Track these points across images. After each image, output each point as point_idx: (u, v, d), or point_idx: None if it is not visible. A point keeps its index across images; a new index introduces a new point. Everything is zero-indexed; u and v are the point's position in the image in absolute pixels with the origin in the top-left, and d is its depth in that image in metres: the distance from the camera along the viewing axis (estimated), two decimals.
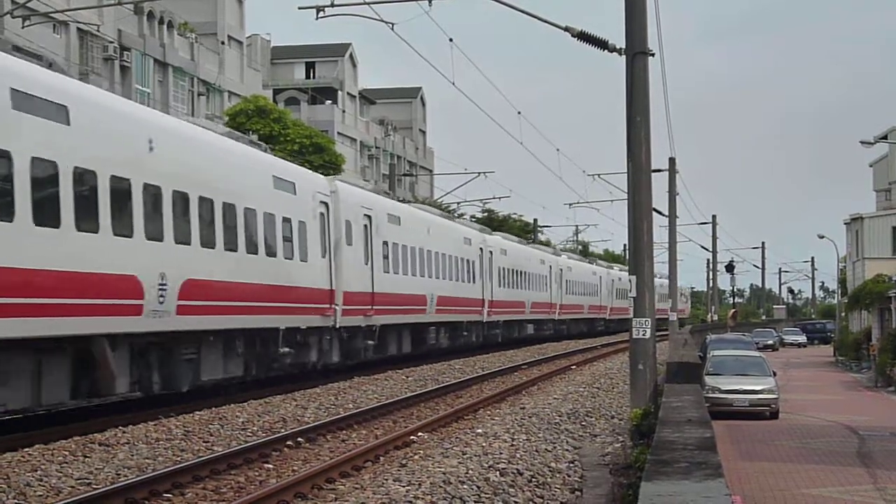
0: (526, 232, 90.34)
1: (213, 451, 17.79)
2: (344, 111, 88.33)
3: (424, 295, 40.98)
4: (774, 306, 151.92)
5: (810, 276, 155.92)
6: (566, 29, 22.52)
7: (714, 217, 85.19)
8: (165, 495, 14.66)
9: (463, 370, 38.03)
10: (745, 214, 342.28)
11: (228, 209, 25.27)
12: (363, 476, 16.41)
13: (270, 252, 27.60)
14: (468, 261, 48.03)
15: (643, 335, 20.80)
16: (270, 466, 17.20)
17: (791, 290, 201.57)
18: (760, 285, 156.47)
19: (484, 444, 18.69)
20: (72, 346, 19.77)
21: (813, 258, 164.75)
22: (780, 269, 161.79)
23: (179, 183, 23.10)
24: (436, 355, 43.76)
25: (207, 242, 24.14)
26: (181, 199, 23.12)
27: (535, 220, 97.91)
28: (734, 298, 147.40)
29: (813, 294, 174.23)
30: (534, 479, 16.41)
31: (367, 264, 34.68)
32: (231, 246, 25.33)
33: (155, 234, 21.99)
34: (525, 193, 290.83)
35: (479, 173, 65.10)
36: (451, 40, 33.09)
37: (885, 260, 61.67)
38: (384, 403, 25.61)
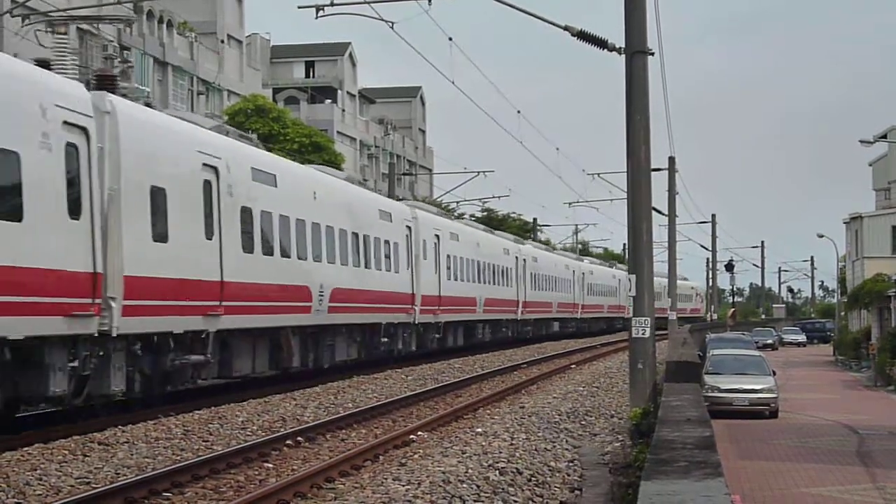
0: (525, 231, 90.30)
1: (212, 451, 17.78)
2: (343, 110, 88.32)
3: (475, 297, 48.82)
4: (774, 305, 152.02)
5: (810, 275, 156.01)
6: (566, 28, 22.53)
7: (713, 216, 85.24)
8: (165, 494, 14.66)
9: (462, 369, 38.04)
10: (744, 214, 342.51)
11: (354, 237, 33.67)
12: (363, 475, 16.41)
13: (378, 266, 35.85)
14: (507, 268, 55.85)
15: (643, 334, 20.81)
16: (270, 466, 17.19)
17: (790, 290, 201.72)
18: (760, 284, 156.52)
19: (483, 444, 18.69)
20: (270, 334, 27.70)
21: (812, 257, 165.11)
22: (779, 268, 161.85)
23: (331, 220, 31.67)
24: (481, 347, 51.05)
25: (345, 261, 32.67)
26: (331, 231, 31.68)
27: (535, 220, 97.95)
28: (733, 298, 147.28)
29: (812, 293, 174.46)
30: (533, 479, 16.41)
31: (435, 273, 42.51)
32: (356, 263, 33.69)
33: (317, 256, 30.39)
34: (524, 193, 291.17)
35: (479, 172, 65.27)
36: (450, 39, 33.16)
37: (885, 259, 61.65)
38: (384, 403, 25.61)
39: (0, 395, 17.75)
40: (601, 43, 22.09)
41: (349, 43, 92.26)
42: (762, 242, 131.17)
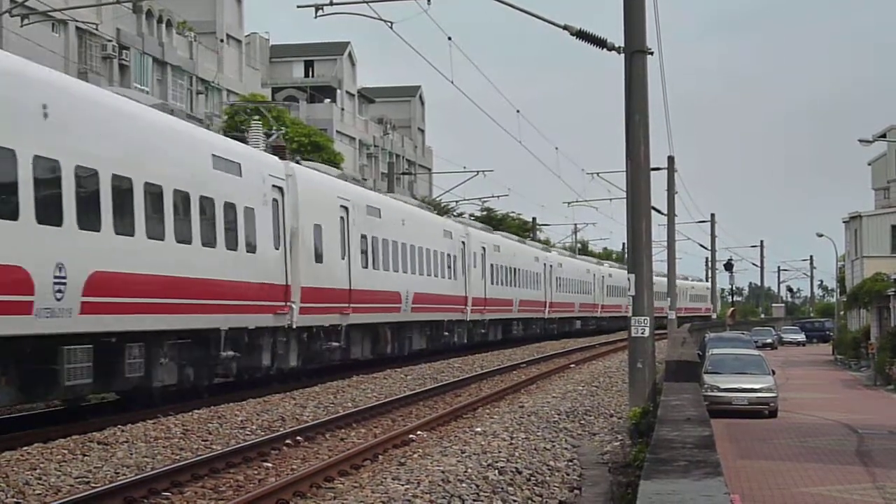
0: (524, 231, 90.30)
1: (211, 450, 17.78)
2: (343, 110, 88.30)
3: (512, 299, 56.87)
4: (773, 305, 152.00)
5: (809, 274, 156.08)
6: (565, 27, 22.50)
7: (713, 215, 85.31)
8: (164, 494, 14.66)
9: (462, 368, 38.06)
10: (743, 213, 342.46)
11: (427, 252, 41.62)
12: (362, 475, 16.42)
13: (442, 275, 44.24)
14: (536, 273, 63.89)
15: (642, 334, 20.80)
16: (269, 465, 17.19)
17: (790, 289, 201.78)
18: (759, 284, 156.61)
19: (483, 443, 18.68)
20: (372, 329, 35.72)
21: (812, 256, 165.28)
22: (778, 267, 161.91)
23: (413, 240, 39.72)
24: (515, 342, 58.30)
25: (422, 271, 40.84)
26: (413, 249, 39.79)
27: (534, 219, 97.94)
28: (733, 297, 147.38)
29: (812, 292, 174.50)
30: (533, 478, 16.40)
31: (482, 279, 50.85)
32: (428, 272, 41.79)
33: (405, 268, 38.66)
34: (524, 192, 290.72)
35: (478, 172, 65.14)
36: (449, 39, 33.12)
37: (884, 258, 61.63)
38: (383, 402, 25.62)
39: (235, 366, 26.05)
40: (600, 42, 22.06)
41: (348, 42, 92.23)
42: (761, 242, 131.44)
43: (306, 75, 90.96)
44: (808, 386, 43.49)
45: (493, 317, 53.17)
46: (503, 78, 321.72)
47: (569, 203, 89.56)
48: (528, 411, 24.13)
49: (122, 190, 20.71)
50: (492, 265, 52.86)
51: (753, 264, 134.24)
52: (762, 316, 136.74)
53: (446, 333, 45.19)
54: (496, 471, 16.17)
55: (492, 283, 52.62)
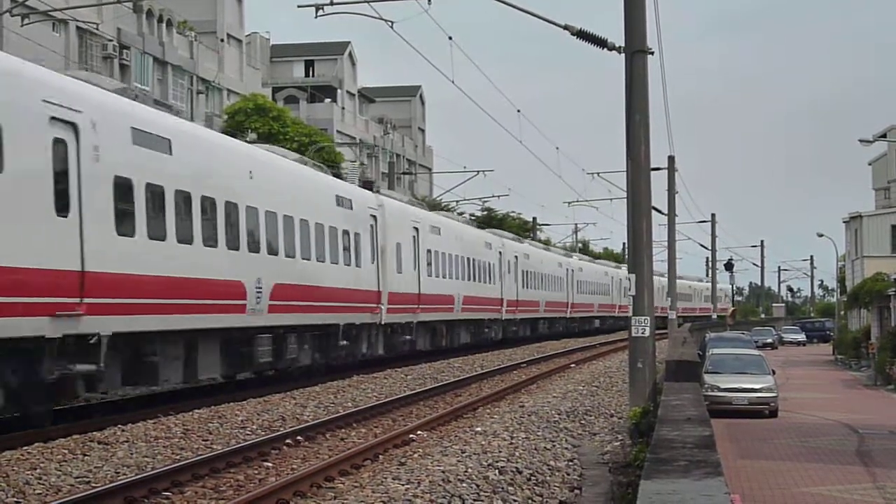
0: (525, 231, 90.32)
1: (212, 450, 17.78)
2: (343, 109, 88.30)
3: (538, 301, 63.77)
4: (773, 304, 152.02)
5: (809, 274, 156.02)
6: (565, 27, 22.50)
7: (713, 215, 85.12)
8: (164, 494, 14.65)
9: (462, 368, 38.06)
10: (744, 213, 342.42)
11: (473, 261, 48.91)
12: (362, 474, 16.41)
13: (483, 280, 50.76)
14: (560, 277, 70.89)
15: (642, 333, 20.80)
16: (270, 465, 17.19)
17: (790, 289, 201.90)
18: (760, 284, 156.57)
19: (483, 443, 18.68)
20: (432, 325, 42.92)
21: (812, 256, 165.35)
22: (779, 267, 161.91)
23: (463, 251, 47.51)
24: (541, 338, 64.88)
25: (468, 277, 47.90)
26: (463, 259, 47.17)
27: (535, 219, 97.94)
28: (733, 297, 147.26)
29: (812, 292, 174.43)
30: (533, 478, 16.40)
31: (514, 283, 57.57)
32: (473, 278, 48.92)
33: (457, 275, 45.84)
34: (524, 192, 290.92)
35: (479, 172, 65.22)
36: (450, 39, 33.10)
37: (884, 258, 61.65)
38: (383, 402, 25.61)
39: (345, 353, 33.18)
40: (601, 42, 22.05)
41: (349, 42, 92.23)
42: (762, 241, 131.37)
43: (307, 75, 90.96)
44: (808, 386, 43.49)
45: (523, 316, 60.19)
46: (504, 78, 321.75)
47: (569, 203, 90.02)
48: (528, 411, 24.12)
49: (287, 226, 28.59)
50: (523, 271, 59.97)
51: (754, 264, 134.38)
52: (762, 316, 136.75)
53: (486, 329, 52.28)
54: (496, 471, 16.17)
55: (523, 287, 59.74)
